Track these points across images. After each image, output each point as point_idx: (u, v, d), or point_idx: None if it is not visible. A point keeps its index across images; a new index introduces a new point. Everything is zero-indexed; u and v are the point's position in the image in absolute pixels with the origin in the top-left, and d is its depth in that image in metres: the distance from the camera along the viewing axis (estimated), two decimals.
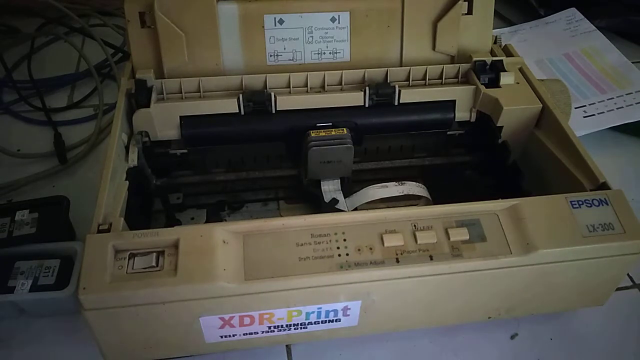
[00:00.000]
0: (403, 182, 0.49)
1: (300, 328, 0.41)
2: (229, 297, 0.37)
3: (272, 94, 0.49)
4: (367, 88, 0.50)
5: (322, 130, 0.48)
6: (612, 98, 0.68)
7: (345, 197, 0.50)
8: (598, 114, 0.66)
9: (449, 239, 0.40)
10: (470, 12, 0.53)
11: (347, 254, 0.38)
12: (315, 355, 0.46)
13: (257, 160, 0.53)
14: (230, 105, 0.49)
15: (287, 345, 0.46)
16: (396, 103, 0.51)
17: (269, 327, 0.41)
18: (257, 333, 0.41)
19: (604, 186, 0.43)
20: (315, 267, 0.38)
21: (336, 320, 0.41)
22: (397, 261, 0.38)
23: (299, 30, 0.52)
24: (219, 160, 0.53)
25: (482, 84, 0.51)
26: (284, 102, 0.49)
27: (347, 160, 0.49)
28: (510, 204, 0.41)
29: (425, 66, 0.52)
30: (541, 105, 0.49)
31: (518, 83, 0.51)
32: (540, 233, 0.40)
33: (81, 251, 0.46)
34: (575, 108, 0.66)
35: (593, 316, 0.49)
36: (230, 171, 0.52)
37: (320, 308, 0.40)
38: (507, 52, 0.55)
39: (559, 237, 0.40)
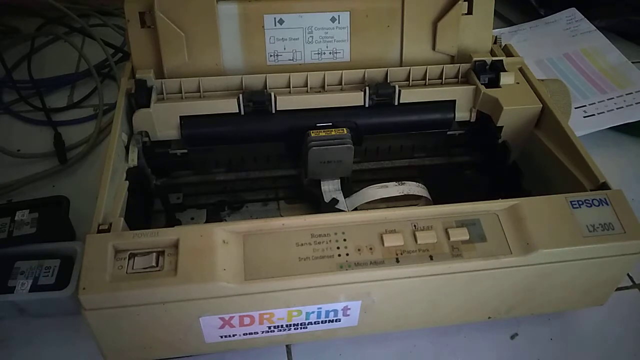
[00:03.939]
0: (403, 182, 0.49)
1: (300, 328, 0.41)
2: (229, 297, 0.37)
3: (272, 94, 0.49)
4: (367, 88, 0.50)
5: (322, 130, 0.48)
6: (612, 98, 0.68)
7: (345, 197, 0.50)
8: (598, 114, 0.66)
9: (449, 239, 0.39)
10: (470, 12, 0.53)
11: (347, 254, 0.38)
12: (315, 355, 0.46)
13: (257, 160, 0.53)
14: (230, 105, 0.49)
15: (287, 345, 0.46)
16: (396, 103, 0.51)
17: (269, 327, 0.41)
18: (257, 333, 0.41)
19: (604, 186, 0.43)
20: (315, 267, 0.38)
21: (336, 320, 0.41)
22: (397, 261, 0.38)
23: (299, 30, 0.52)
24: (219, 160, 0.53)
25: (482, 84, 0.51)
26: (284, 102, 0.49)
27: (347, 160, 0.49)
28: (510, 204, 0.41)
29: (425, 66, 0.52)
30: (541, 105, 0.49)
31: (518, 83, 0.51)
32: (540, 233, 0.40)
33: (81, 251, 0.46)
34: (575, 108, 0.66)
35: (593, 316, 0.49)
36: (230, 171, 0.52)
37: (320, 308, 0.40)
38: (507, 52, 0.55)
39: (559, 237, 0.40)
